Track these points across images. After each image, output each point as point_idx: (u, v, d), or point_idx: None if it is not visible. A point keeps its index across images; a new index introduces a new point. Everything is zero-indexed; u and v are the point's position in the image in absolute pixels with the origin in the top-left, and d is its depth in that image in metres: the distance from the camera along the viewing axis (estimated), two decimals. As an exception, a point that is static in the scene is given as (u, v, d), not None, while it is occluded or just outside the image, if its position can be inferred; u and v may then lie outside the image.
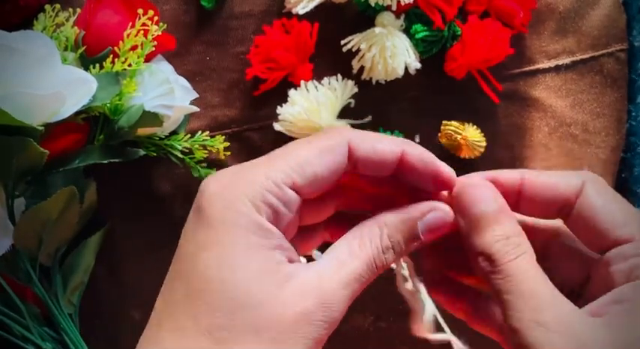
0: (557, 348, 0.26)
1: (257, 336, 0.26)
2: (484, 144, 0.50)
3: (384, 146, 0.31)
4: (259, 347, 0.26)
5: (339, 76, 0.49)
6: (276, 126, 0.49)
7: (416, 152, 0.32)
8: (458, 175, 0.33)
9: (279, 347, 0.27)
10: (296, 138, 0.48)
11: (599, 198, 0.31)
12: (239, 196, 0.29)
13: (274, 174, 0.30)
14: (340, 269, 0.29)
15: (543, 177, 0.33)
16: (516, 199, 0.33)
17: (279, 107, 0.48)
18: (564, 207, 0.32)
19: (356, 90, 0.49)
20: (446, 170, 0.32)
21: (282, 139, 0.49)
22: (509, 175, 0.33)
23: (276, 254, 0.29)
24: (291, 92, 0.48)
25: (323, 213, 0.35)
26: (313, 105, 0.47)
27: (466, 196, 0.31)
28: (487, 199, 0.31)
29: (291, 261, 0.29)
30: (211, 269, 0.28)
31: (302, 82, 0.48)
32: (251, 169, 0.31)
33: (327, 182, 0.31)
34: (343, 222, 0.35)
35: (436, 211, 0.32)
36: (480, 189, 0.32)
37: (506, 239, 0.29)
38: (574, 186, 0.32)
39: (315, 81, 0.49)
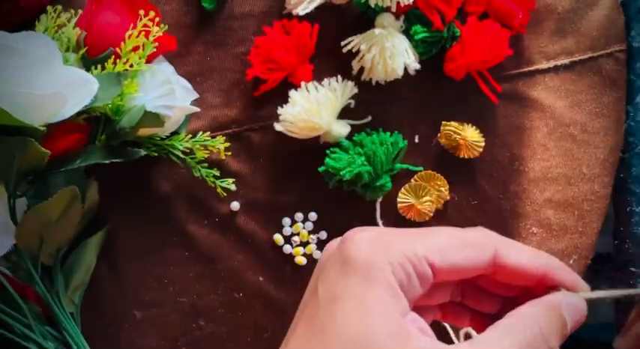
0: None
1: None
2: (483, 144, 0.50)
3: (532, 262, 0.31)
4: None
5: (339, 77, 0.49)
6: (277, 127, 0.49)
7: (560, 273, 0.31)
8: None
9: None
10: (296, 138, 0.49)
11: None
12: (383, 255, 0.29)
13: (419, 247, 0.30)
14: None
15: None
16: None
17: (279, 108, 0.49)
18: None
19: (356, 90, 0.50)
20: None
21: (283, 139, 0.50)
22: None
23: (408, 320, 0.29)
24: (292, 92, 0.48)
25: (441, 297, 0.35)
26: (313, 105, 0.48)
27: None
28: None
29: (423, 331, 0.29)
30: (350, 318, 0.27)
31: (302, 83, 0.49)
32: (398, 235, 0.31)
33: (463, 275, 0.31)
34: (459, 306, 0.36)
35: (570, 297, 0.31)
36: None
37: None
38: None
39: (315, 82, 0.49)
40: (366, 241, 0.30)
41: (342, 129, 0.49)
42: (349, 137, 0.49)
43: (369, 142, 0.48)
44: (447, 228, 0.32)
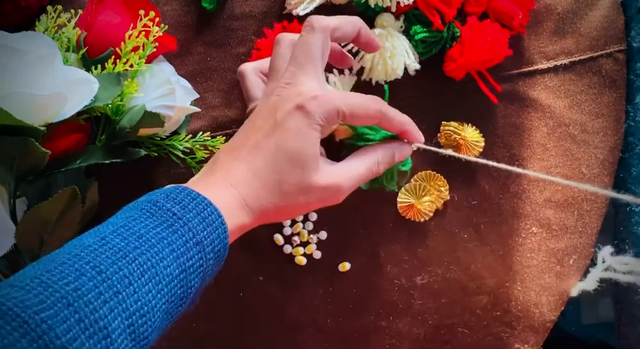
0: None
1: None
2: (483, 143, 0.50)
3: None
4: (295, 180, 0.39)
5: (336, 71, 0.49)
6: None
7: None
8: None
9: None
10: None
11: None
12: (321, 109, 0.40)
13: (337, 102, 0.40)
14: (351, 170, 0.41)
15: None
16: None
17: None
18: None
19: (355, 78, 0.50)
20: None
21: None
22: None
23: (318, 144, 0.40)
24: None
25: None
26: None
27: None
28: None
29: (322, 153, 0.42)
30: (294, 140, 0.39)
31: None
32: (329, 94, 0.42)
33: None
34: None
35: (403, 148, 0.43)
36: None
37: None
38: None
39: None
40: (314, 99, 0.39)
41: None
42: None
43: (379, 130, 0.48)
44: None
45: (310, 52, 0.40)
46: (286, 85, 0.40)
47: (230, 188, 0.38)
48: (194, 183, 0.39)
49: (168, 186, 0.38)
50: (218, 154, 0.40)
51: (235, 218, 0.38)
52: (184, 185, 0.38)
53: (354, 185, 0.41)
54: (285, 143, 0.39)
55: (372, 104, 0.40)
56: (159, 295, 0.33)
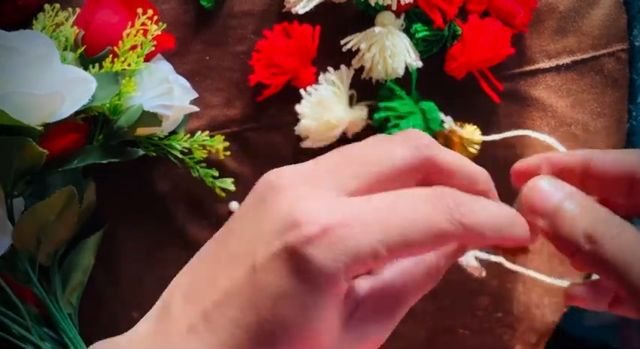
0: None
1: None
2: (478, 143, 0.50)
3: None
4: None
5: (331, 69, 0.49)
6: (305, 144, 0.49)
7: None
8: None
9: None
10: (295, 137, 0.49)
11: None
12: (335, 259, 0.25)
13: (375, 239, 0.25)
14: None
15: (608, 155, 0.31)
16: (581, 180, 0.31)
17: (295, 128, 0.48)
18: (632, 183, 0.30)
19: (352, 72, 0.49)
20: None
21: (281, 139, 0.50)
22: (569, 159, 0.31)
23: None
24: (297, 108, 0.48)
25: None
26: (321, 104, 0.47)
27: (536, 196, 0.30)
28: (558, 189, 0.29)
29: None
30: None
31: (302, 92, 0.48)
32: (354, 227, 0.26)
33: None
34: None
35: None
36: (543, 184, 0.30)
37: (602, 220, 0.28)
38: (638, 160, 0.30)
39: (314, 85, 0.49)
40: (321, 241, 0.23)
41: (360, 112, 0.49)
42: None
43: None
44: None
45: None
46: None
47: None
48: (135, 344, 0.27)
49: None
50: (172, 297, 0.28)
51: None
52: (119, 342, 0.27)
53: None
54: (266, 315, 0.23)
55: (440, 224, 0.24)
56: None
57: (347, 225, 0.23)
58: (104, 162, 0.45)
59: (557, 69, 0.51)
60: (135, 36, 0.45)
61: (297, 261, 0.23)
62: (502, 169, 0.46)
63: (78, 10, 0.47)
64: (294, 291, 0.23)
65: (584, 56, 0.51)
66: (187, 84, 0.48)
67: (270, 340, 0.23)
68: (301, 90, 0.48)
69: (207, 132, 0.50)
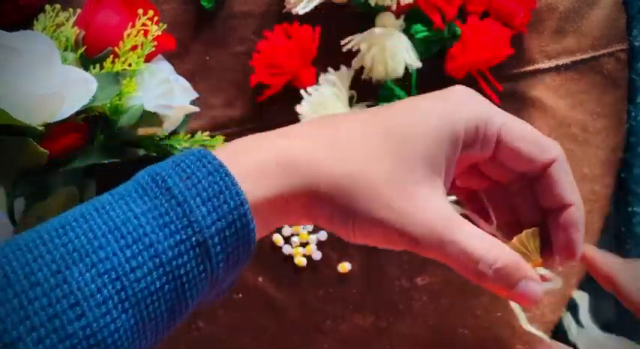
0: None
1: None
2: None
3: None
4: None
5: (331, 69, 0.49)
6: None
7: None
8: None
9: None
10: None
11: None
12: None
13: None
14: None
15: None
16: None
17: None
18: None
19: (352, 73, 0.49)
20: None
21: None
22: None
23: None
24: (298, 108, 0.48)
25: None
26: (322, 104, 0.48)
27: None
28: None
29: None
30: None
31: (302, 92, 0.48)
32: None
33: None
34: None
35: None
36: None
37: None
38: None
39: (314, 86, 0.49)
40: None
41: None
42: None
43: None
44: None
45: None
46: None
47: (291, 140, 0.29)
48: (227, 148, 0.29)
49: (190, 150, 0.29)
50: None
51: (284, 183, 0.28)
52: (211, 151, 0.29)
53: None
54: (407, 128, 0.30)
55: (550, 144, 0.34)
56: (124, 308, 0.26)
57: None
58: (105, 162, 0.45)
59: (557, 69, 0.51)
60: (135, 36, 0.45)
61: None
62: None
63: (79, 10, 0.47)
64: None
65: (584, 56, 0.51)
66: (188, 84, 0.49)
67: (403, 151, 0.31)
68: (301, 91, 0.49)
69: (207, 133, 0.50)
